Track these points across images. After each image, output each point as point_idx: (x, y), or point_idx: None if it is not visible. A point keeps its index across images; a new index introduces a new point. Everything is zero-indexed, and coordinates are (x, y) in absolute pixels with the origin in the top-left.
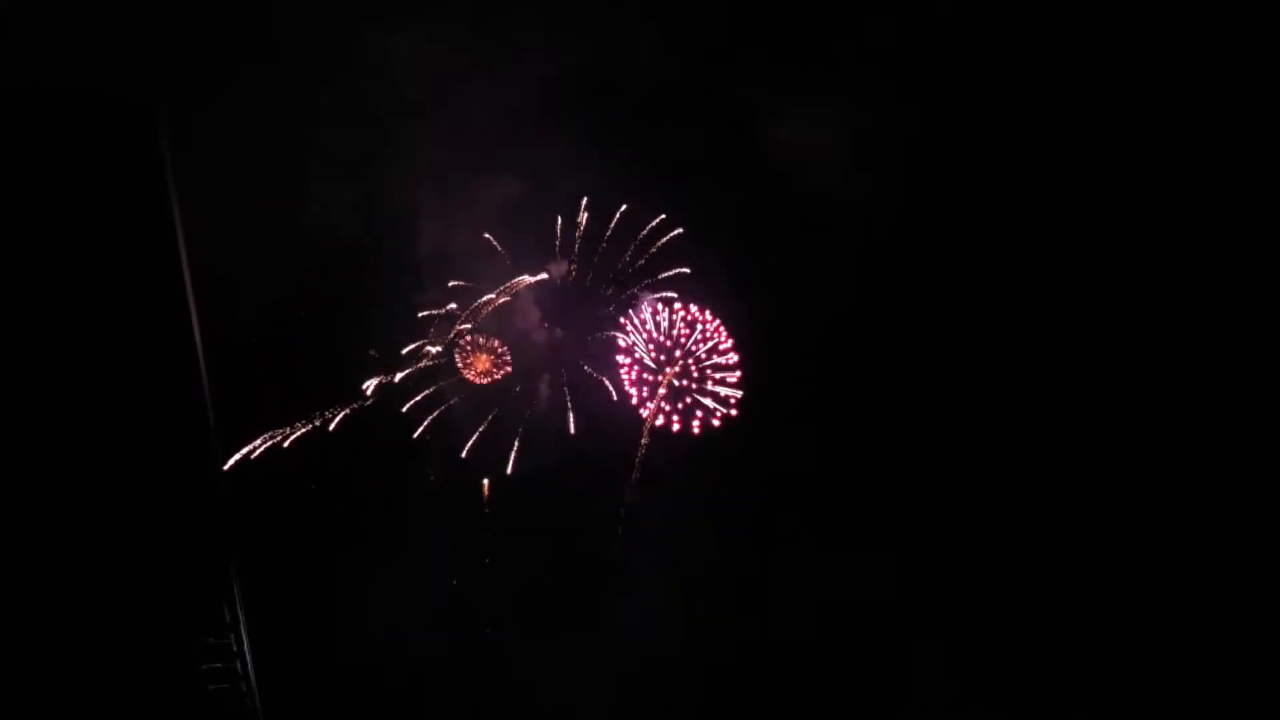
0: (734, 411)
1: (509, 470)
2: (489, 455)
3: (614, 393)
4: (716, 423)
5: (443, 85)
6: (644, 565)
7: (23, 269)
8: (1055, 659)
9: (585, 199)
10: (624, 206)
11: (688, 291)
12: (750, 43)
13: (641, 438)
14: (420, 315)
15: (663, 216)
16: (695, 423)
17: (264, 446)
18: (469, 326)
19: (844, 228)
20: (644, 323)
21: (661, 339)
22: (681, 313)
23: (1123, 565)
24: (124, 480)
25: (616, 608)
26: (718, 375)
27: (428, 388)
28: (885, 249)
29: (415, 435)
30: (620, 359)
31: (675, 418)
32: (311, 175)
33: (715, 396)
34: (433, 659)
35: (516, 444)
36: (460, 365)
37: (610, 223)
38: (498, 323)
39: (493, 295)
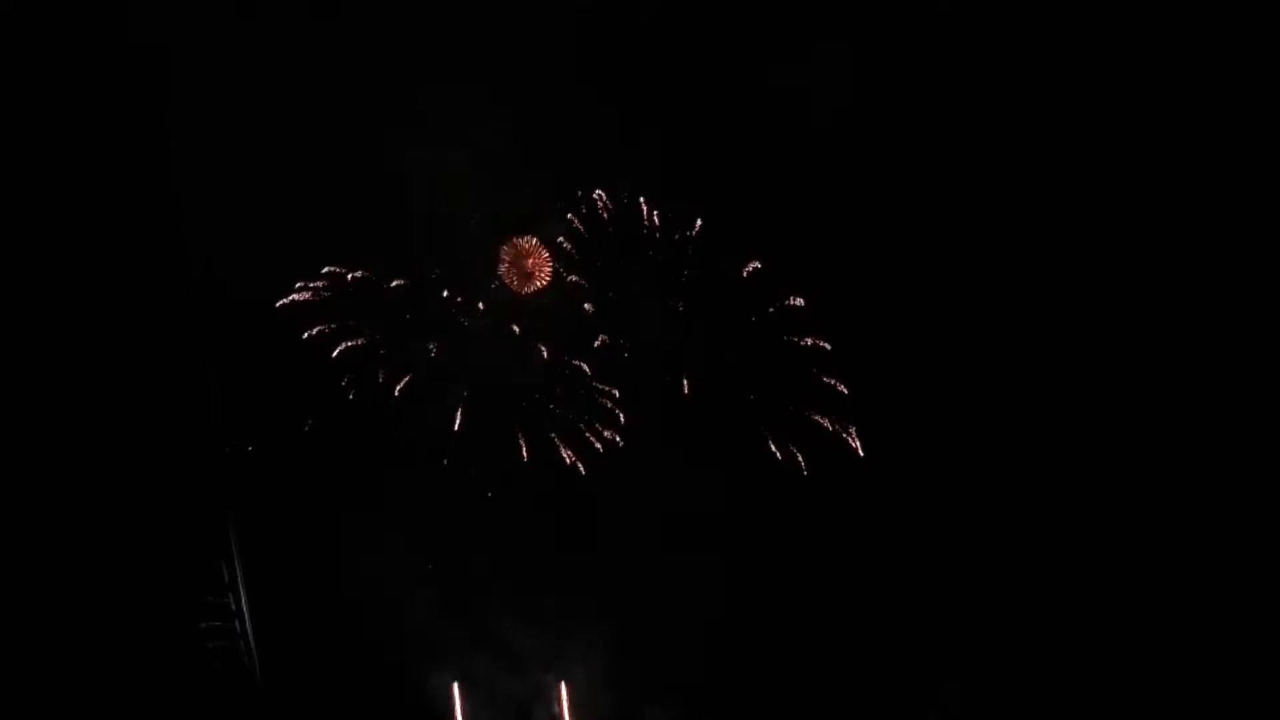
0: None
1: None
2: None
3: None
4: None
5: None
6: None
7: (21, 217)
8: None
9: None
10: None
11: None
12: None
13: None
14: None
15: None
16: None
17: (261, 407)
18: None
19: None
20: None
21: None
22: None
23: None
24: (122, 441)
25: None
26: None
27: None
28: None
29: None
30: None
31: None
32: (310, 135)
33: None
34: (427, 618)
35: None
36: (506, 270)
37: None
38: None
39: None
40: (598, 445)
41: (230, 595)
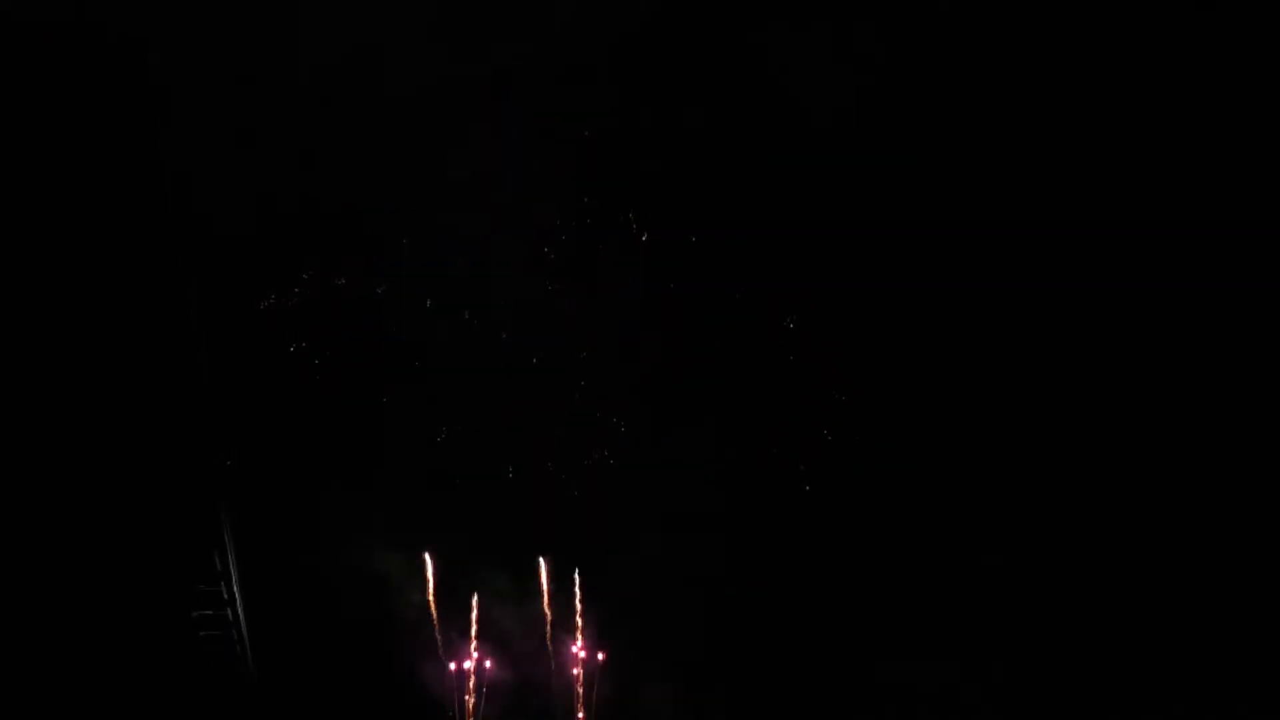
0: None
1: None
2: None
3: None
4: None
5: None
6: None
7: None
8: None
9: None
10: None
11: None
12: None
13: None
14: None
15: None
16: None
17: (251, 398)
18: None
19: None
20: None
21: None
22: None
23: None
24: (117, 434)
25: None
26: None
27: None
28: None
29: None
30: None
31: None
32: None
33: None
34: (419, 608)
35: None
36: None
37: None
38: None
39: None
40: (586, 461)
41: (223, 584)
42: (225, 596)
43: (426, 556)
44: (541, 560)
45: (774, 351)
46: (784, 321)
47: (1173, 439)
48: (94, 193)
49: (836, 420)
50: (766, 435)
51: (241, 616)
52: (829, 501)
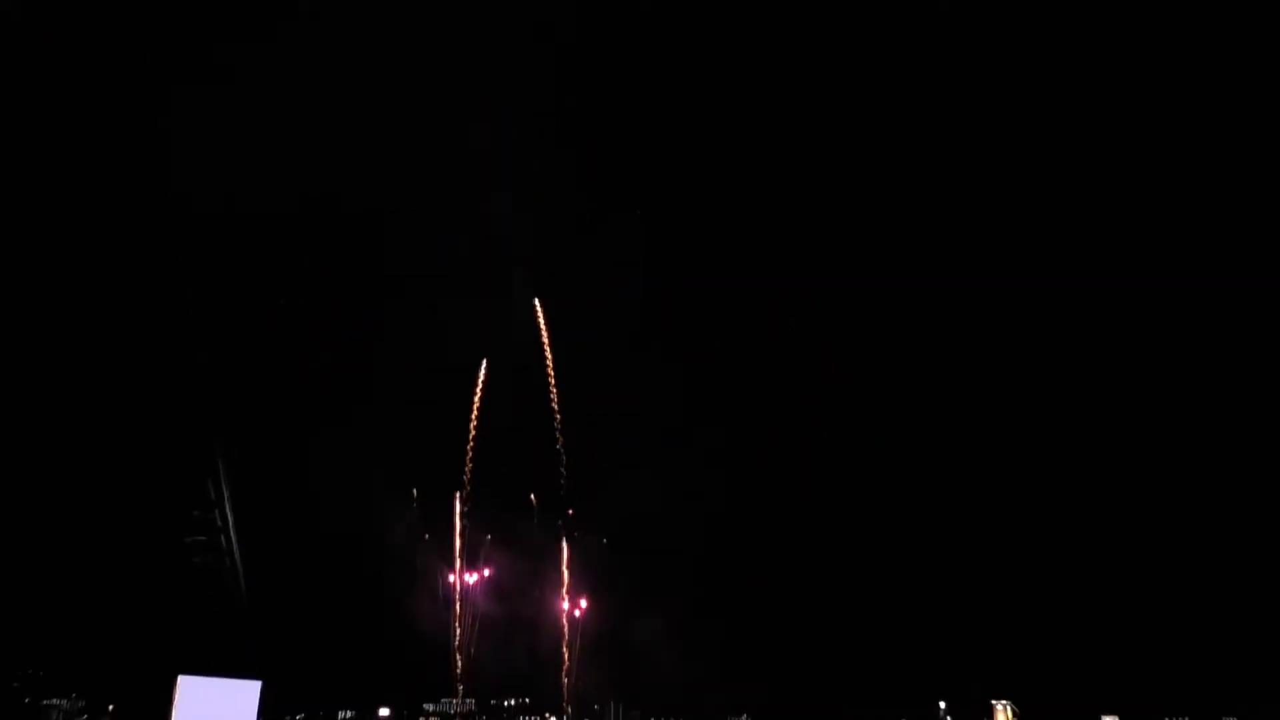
0: None
1: None
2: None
3: None
4: None
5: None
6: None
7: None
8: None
9: None
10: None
11: None
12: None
13: None
14: None
15: None
16: None
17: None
18: None
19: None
20: None
21: None
22: None
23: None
24: (108, 366)
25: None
26: None
27: None
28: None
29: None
30: None
31: None
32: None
33: None
34: (409, 536)
35: None
36: None
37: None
38: None
39: None
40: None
41: (216, 511)
42: (219, 524)
43: (414, 491)
44: (532, 497)
45: (775, 351)
46: (785, 321)
47: (1176, 443)
48: (93, 191)
49: (837, 421)
50: (768, 435)
51: (235, 542)
52: (830, 500)
